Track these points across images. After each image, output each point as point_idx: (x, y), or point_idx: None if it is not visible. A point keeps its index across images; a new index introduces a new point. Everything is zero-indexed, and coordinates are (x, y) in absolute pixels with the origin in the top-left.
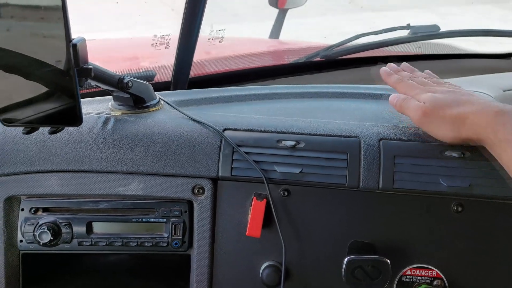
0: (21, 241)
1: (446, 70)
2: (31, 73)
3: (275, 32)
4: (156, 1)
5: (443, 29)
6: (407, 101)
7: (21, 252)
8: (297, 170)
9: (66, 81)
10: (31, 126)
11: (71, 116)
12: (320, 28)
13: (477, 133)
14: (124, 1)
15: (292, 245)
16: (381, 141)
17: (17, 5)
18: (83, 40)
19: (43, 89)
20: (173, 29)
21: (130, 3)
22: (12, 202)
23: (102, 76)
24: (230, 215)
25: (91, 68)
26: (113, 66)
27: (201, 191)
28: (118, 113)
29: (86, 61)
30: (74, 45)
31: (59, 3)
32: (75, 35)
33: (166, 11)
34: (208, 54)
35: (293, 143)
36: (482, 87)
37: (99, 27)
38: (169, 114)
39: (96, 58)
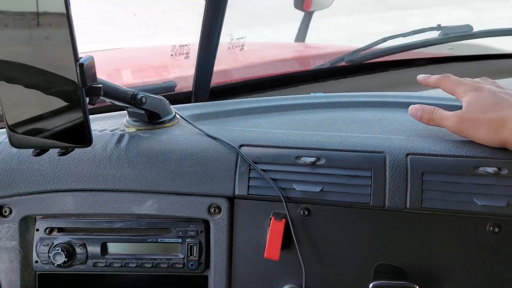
0: (36, 261)
1: (481, 72)
2: (41, 95)
3: (301, 35)
4: (185, 9)
5: (477, 28)
6: (437, 112)
7: (37, 272)
8: (317, 189)
9: (74, 101)
10: (41, 148)
11: (80, 137)
12: (348, 29)
13: None
14: (148, 10)
15: (313, 268)
16: (408, 156)
17: (24, 23)
18: (90, 59)
19: (52, 109)
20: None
21: (156, 11)
22: (27, 222)
23: (114, 93)
24: (248, 235)
25: (100, 87)
26: (132, 77)
27: (217, 210)
28: (132, 129)
29: (94, 80)
30: (81, 65)
31: (65, 23)
32: (99, 44)
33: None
34: (229, 63)
35: (313, 159)
36: None
37: (126, 34)
38: (184, 130)
39: (117, 69)
